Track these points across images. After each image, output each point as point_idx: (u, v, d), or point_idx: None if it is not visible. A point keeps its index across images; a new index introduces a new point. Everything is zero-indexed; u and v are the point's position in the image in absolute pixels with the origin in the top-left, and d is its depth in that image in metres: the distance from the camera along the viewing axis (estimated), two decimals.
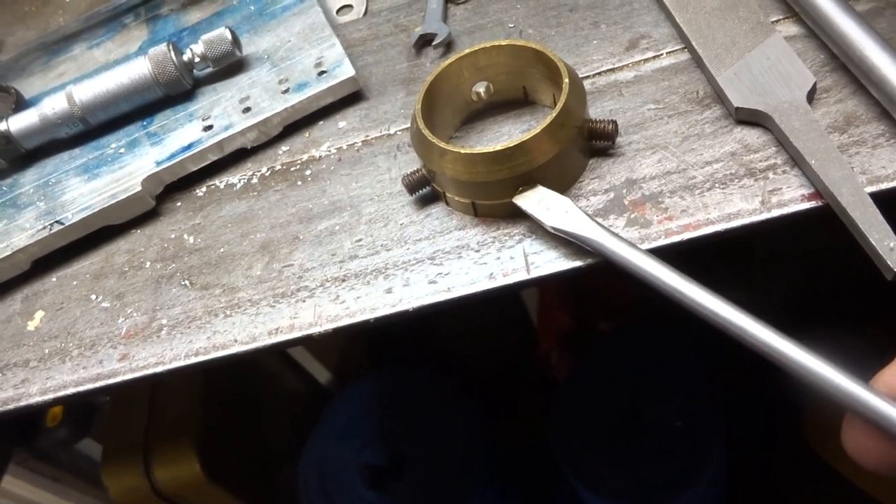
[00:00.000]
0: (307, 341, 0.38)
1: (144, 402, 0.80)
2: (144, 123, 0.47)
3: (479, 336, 1.11)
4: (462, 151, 0.36)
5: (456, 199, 0.39)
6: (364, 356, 1.15)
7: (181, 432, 0.77)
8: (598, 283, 0.92)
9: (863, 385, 0.27)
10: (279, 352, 1.04)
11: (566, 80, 0.36)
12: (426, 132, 0.37)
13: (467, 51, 0.40)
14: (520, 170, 0.36)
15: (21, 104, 0.51)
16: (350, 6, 0.52)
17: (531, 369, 1.06)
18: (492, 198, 0.37)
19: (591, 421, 0.91)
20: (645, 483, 0.86)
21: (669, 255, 0.35)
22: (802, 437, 0.98)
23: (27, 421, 0.96)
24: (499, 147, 0.35)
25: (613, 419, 0.90)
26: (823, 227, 0.33)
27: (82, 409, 0.97)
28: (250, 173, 0.45)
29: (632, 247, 0.33)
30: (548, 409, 0.93)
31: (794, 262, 0.84)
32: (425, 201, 0.40)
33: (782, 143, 0.35)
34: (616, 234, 0.33)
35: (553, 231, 0.35)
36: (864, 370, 0.29)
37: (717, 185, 0.36)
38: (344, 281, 0.38)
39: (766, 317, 0.30)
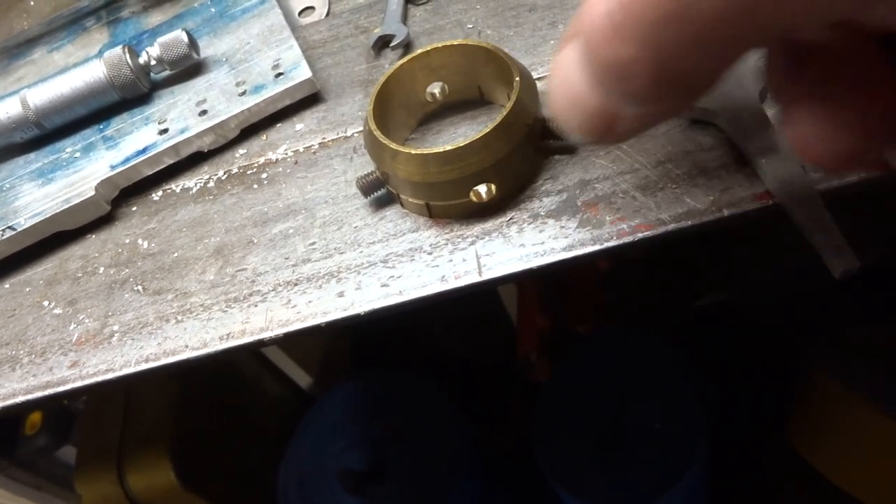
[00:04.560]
0: (259, 346, 0.37)
1: (119, 408, 0.79)
2: (101, 127, 0.47)
3: (462, 339, 1.11)
4: (413, 152, 0.36)
5: (410, 200, 0.38)
6: (347, 360, 1.14)
7: (155, 439, 0.76)
8: (572, 285, 0.92)
9: None
10: (259, 357, 1.03)
11: (517, 79, 0.36)
12: (378, 133, 0.37)
13: (419, 51, 0.40)
14: (472, 169, 0.35)
15: None
16: (312, 8, 0.52)
17: (515, 372, 1.05)
18: (446, 198, 0.37)
19: (572, 425, 0.90)
20: (627, 486, 0.85)
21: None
22: (786, 439, 0.97)
23: (5, 429, 0.95)
24: (450, 147, 0.35)
25: (595, 422, 0.89)
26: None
27: (62, 416, 0.97)
28: (206, 177, 0.45)
29: None
30: (531, 413, 0.92)
31: (772, 257, 0.84)
32: (380, 203, 0.40)
33: (735, 141, 0.35)
34: None
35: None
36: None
37: (669, 184, 0.35)
38: (296, 285, 0.38)
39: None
